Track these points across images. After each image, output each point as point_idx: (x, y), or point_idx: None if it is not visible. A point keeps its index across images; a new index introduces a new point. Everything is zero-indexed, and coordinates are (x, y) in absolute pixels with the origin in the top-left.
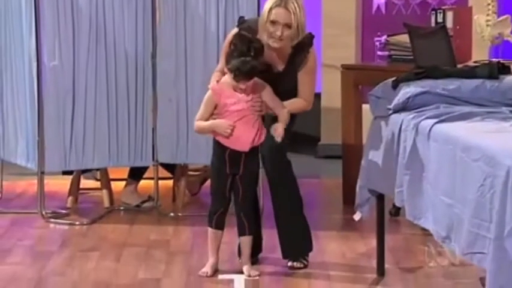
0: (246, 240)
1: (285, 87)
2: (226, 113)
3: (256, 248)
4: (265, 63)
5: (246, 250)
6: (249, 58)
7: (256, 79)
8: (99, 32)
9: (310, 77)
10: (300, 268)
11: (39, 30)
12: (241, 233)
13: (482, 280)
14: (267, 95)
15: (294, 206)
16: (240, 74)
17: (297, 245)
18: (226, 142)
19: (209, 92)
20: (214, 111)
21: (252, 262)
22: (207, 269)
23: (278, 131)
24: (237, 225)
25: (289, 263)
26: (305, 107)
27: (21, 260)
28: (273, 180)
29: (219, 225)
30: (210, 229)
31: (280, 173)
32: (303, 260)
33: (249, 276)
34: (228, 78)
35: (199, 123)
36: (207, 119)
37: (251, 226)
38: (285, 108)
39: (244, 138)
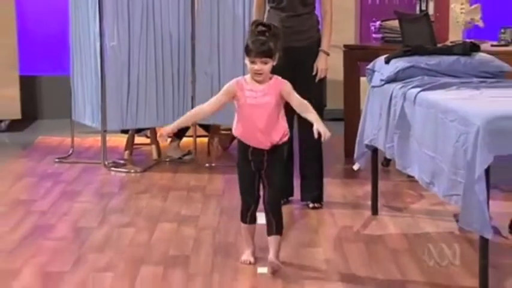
0: (273, 240)
1: None
2: (245, 105)
3: (288, 191)
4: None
5: (273, 249)
6: (261, 37)
7: (276, 77)
8: (149, 18)
9: None
10: (319, 208)
11: (102, 16)
12: (269, 233)
13: (456, 216)
14: (290, 95)
15: (320, 166)
16: (252, 49)
17: (319, 192)
18: (248, 141)
19: (232, 81)
20: (236, 103)
21: (283, 203)
22: (248, 257)
23: (321, 132)
24: (266, 223)
25: (311, 205)
26: (331, 21)
27: (89, 199)
28: (304, 151)
29: (252, 221)
30: (243, 225)
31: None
32: (321, 202)
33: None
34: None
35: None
36: (215, 107)
37: (279, 225)
38: (312, 113)
39: (264, 136)
